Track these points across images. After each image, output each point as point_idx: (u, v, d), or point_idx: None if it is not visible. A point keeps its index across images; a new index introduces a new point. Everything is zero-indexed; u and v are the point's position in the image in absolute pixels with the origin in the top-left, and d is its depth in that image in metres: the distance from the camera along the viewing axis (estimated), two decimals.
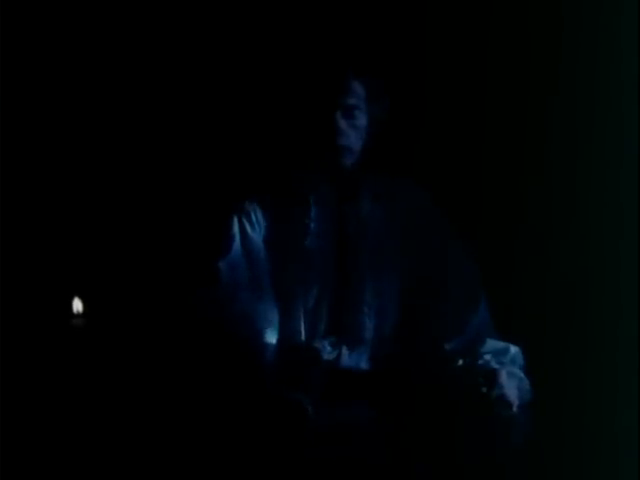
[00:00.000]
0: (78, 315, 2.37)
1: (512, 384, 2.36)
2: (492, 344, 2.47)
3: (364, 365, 2.49)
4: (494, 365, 2.41)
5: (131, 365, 2.54)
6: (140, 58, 2.96)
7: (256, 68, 2.91)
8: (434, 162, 2.90)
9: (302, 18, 2.90)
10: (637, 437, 2.49)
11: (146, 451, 2.16)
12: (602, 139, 2.82)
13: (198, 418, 2.25)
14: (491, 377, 2.35)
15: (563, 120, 2.85)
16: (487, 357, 2.44)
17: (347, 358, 2.47)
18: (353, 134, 2.48)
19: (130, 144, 2.97)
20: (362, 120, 2.50)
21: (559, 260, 2.85)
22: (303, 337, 2.47)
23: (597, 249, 2.81)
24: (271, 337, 2.41)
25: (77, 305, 2.39)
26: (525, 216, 2.88)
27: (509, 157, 2.89)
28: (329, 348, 2.47)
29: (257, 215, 2.53)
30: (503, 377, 2.35)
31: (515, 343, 2.49)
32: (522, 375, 2.41)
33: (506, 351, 2.45)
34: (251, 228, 2.52)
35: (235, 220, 2.52)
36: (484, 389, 2.33)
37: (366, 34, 2.84)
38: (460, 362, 2.44)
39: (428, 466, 2.18)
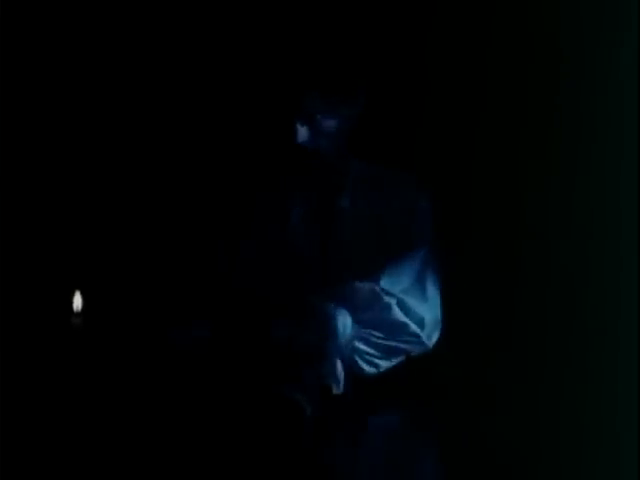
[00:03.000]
0: (78, 313, 2.39)
1: None
2: None
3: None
4: None
5: (129, 364, 2.55)
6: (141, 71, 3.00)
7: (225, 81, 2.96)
8: (434, 162, 2.91)
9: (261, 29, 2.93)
10: (637, 437, 2.49)
11: (143, 450, 2.17)
12: (604, 139, 2.83)
13: (196, 418, 2.26)
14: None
15: (563, 119, 2.86)
16: None
17: None
18: (320, 138, 2.50)
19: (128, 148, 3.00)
20: (328, 122, 2.50)
21: (559, 260, 2.86)
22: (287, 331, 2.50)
23: (597, 249, 2.81)
24: None
25: (77, 303, 2.41)
26: (525, 216, 2.89)
27: (509, 157, 2.90)
28: None
29: (246, 214, 2.58)
30: None
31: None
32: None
33: None
34: (241, 229, 2.58)
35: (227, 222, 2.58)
36: None
37: (355, 32, 2.87)
38: None
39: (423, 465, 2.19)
